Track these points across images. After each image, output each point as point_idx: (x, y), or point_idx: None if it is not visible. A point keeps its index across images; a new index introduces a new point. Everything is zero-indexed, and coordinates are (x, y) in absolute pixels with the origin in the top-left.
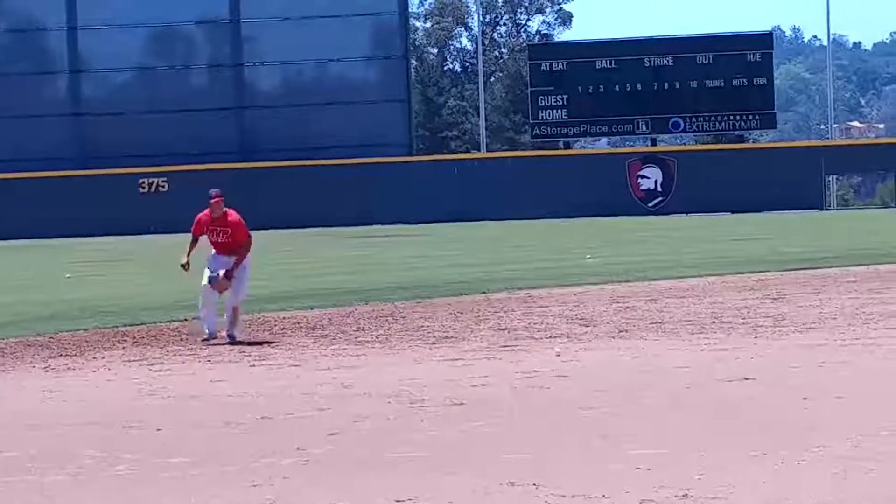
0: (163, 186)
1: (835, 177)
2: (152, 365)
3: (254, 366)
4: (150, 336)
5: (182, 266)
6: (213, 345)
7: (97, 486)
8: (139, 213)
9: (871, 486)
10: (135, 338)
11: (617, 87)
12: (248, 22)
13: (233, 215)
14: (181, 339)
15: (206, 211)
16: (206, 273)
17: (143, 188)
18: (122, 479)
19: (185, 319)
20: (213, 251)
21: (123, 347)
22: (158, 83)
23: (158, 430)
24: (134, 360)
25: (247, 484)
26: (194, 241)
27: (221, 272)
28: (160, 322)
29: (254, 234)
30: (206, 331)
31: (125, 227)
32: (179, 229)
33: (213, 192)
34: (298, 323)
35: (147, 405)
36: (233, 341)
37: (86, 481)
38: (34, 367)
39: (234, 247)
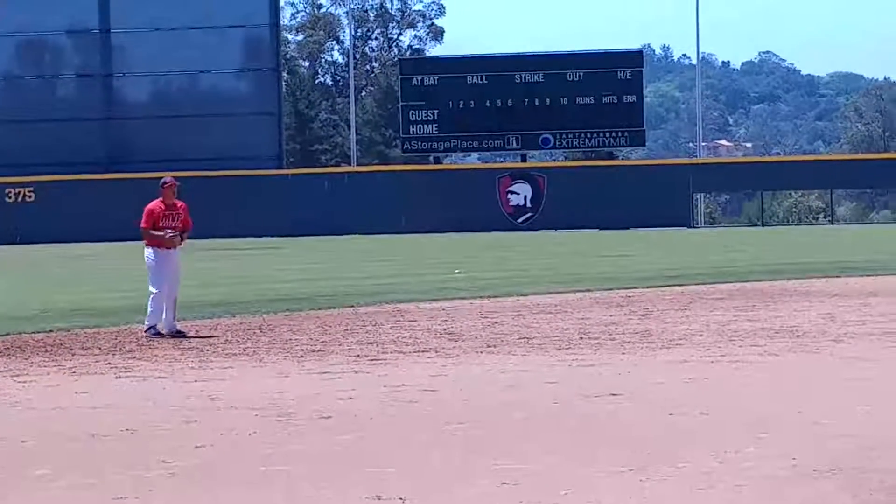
0: (29, 196)
1: (702, 195)
2: (17, 376)
3: (119, 377)
4: (15, 347)
5: (168, 237)
6: (99, 353)
7: None
8: (5, 223)
9: (737, 501)
10: None
11: (488, 103)
12: (118, 32)
13: (180, 202)
14: (46, 351)
15: (157, 200)
16: (151, 281)
17: (10, 198)
18: None
19: (51, 331)
20: (160, 249)
21: None
22: (26, 92)
23: (22, 441)
24: None
25: (112, 496)
26: (153, 230)
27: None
28: (25, 333)
29: (123, 245)
30: (159, 327)
31: None
32: (46, 239)
33: (169, 178)
34: (165, 335)
35: (11, 416)
36: (182, 335)
37: None
38: None
39: (182, 232)
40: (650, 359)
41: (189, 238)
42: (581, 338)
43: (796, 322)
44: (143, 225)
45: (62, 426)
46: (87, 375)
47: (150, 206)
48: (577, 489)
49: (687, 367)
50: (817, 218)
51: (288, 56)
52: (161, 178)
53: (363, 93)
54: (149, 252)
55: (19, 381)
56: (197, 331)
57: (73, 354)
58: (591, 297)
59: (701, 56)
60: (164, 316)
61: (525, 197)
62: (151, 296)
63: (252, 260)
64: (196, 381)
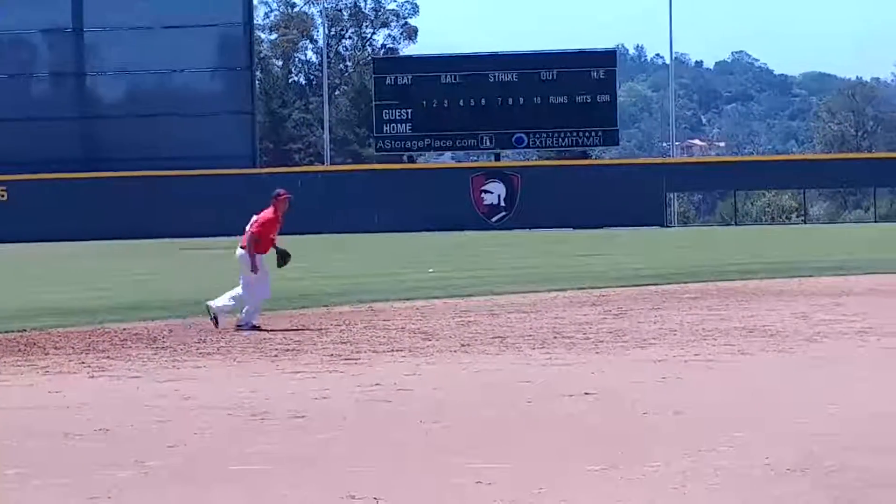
0: (2, 196)
1: (676, 194)
2: None
3: (93, 377)
4: None
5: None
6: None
7: None
8: None
9: (710, 500)
10: None
11: (461, 102)
12: (92, 31)
13: None
14: (19, 350)
15: (271, 210)
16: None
17: None
18: None
19: (24, 330)
20: (264, 253)
21: None
22: None
23: None
24: None
25: (84, 496)
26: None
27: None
28: None
29: (98, 244)
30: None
31: None
32: (19, 238)
33: (283, 190)
34: (139, 334)
35: None
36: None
37: None
38: None
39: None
40: (624, 358)
41: (162, 237)
42: (555, 337)
43: (770, 321)
44: (260, 229)
45: (35, 426)
46: (60, 375)
47: (271, 216)
48: (550, 488)
49: (661, 366)
50: (790, 217)
51: (261, 55)
52: (276, 190)
53: (337, 92)
54: (257, 258)
55: None
56: (171, 330)
57: (46, 354)
58: (564, 296)
59: (674, 56)
60: (243, 309)
61: (499, 196)
62: (258, 298)
63: (225, 259)
64: (169, 380)
